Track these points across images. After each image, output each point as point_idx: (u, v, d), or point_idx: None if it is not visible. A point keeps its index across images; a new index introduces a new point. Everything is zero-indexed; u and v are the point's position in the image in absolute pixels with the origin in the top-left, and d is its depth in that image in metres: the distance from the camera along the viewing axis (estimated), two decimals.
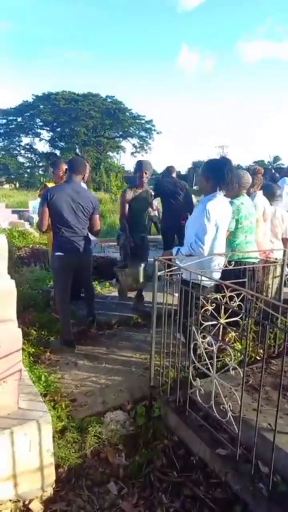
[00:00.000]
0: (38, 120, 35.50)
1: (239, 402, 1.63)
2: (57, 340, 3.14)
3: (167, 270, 2.13)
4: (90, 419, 2.15)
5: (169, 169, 5.41)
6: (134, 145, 38.34)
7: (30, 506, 1.61)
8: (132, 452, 1.96)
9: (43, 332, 3.25)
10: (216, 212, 2.31)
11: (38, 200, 3.99)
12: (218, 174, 2.34)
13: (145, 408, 2.24)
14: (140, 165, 3.88)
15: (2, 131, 35.52)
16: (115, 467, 1.87)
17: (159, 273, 2.16)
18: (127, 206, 3.75)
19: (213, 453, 1.75)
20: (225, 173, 2.32)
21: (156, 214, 10.12)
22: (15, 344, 1.66)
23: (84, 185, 3.72)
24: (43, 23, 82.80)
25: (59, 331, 3.19)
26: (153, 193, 4.45)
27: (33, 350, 2.91)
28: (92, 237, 3.29)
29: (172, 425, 2.07)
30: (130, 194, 3.75)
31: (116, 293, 4.37)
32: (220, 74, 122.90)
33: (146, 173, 3.79)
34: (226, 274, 2.44)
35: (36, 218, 7.24)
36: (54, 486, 1.74)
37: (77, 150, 34.12)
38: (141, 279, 3.69)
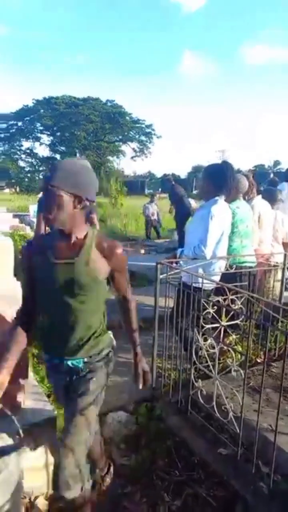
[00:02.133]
0: (38, 124, 35.74)
1: (241, 403, 1.67)
2: None
3: (169, 273, 2.17)
4: None
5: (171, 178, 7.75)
6: (134, 149, 38.56)
7: (36, 502, 1.64)
8: (135, 452, 1.99)
9: None
10: (221, 216, 2.32)
11: None
12: (220, 179, 2.34)
13: (147, 409, 2.27)
14: (48, 172, 1.27)
15: (2, 135, 35.74)
16: (118, 466, 1.90)
17: (161, 276, 2.20)
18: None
19: (214, 452, 1.79)
20: (228, 178, 2.33)
21: (156, 218, 10.16)
22: None
23: None
24: (42, 27, 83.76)
25: None
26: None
27: (36, 351, 2.93)
28: None
29: (174, 426, 2.09)
30: (28, 257, 1.38)
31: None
32: (221, 78, 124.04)
33: (83, 200, 1.25)
34: (222, 278, 2.48)
35: None
36: None
37: (77, 155, 34.26)
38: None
